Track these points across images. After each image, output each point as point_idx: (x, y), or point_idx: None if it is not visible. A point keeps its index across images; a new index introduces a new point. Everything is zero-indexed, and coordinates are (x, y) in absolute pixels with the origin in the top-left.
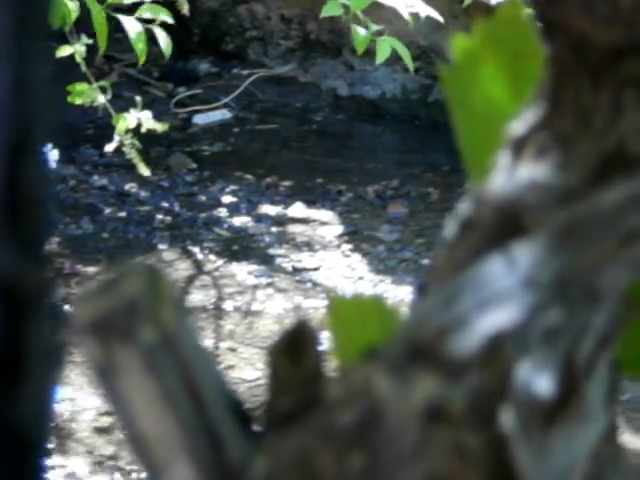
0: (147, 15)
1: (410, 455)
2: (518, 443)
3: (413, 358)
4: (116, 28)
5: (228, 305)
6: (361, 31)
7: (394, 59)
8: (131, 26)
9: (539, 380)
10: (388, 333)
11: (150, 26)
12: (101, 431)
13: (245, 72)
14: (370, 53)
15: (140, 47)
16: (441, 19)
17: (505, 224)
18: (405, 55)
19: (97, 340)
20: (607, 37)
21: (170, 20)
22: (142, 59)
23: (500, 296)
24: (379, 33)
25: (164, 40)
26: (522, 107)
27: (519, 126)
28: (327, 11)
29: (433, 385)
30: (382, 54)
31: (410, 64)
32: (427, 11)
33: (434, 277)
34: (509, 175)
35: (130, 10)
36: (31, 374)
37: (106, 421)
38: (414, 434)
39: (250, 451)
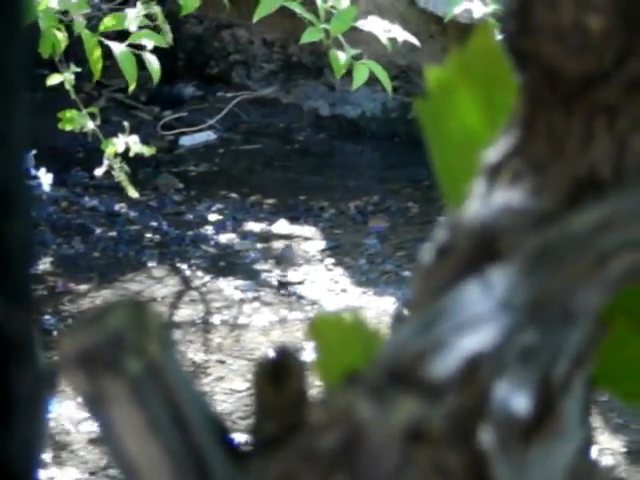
0: (142, 41)
1: (392, 475)
2: (497, 461)
3: (393, 381)
4: (104, 55)
5: (216, 319)
6: (340, 55)
7: (374, 79)
8: (121, 53)
9: (516, 399)
10: (369, 351)
11: (139, 52)
12: (95, 442)
13: (229, 95)
14: (351, 74)
15: (130, 73)
16: (417, 43)
17: (481, 249)
18: (383, 77)
19: (84, 372)
20: (578, 66)
21: (163, 45)
22: (132, 85)
23: (477, 319)
24: (357, 57)
25: (154, 66)
26: (496, 135)
27: (494, 153)
28: (307, 37)
29: (413, 407)
30: (359, 79)
31: (388, 87)
32: (404, 35)
33: (412, 301)
34: (484, 201)
35: (118, 37)
36: (20, 415)
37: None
38: (395, 455)
39: (236, 475)
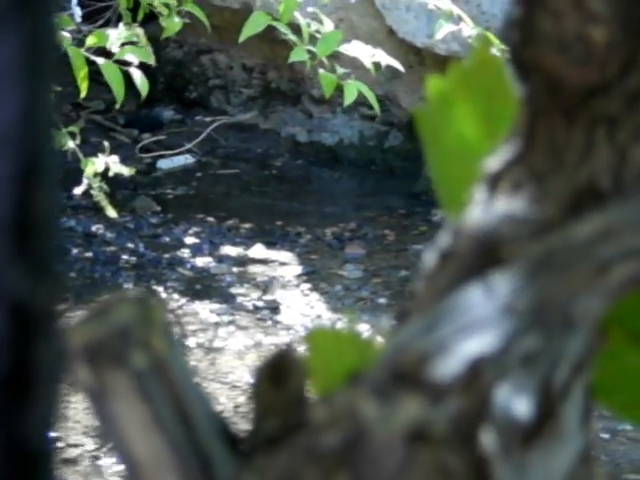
0: (129, 57)
1: (394, 475)
2: (498, 463)
3: (396, 382)
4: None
5: (191, 342)
6: (328, 75)
7: (351, 107)
8: (108, 68)
9: (518, 403)
10: (364, 362)
11: (126, 68)
12: (68, 462)
13: (208, 119)
14: (329, 101)
15: (117, 89)
16: (401, 68)
17: (483, 255)
18: (370, 97)
19: (90, 365)
20: (580, 77)
21: (151, 62)
22: (119, 100)
23: (480, 322)
24: (345, 76)
25: (141, 80)
26: (495, 145)
27: (495, 162)
28: (294, 56)
29: (416, 408)
30: (349, 96)
31: (376, 105)
32: (388, 60)
33: (415, 305)
34: (486, 208)
35: (103, 54)
36: (39, 390)
37: (73, 452)
38: (398, 455)
39: (238, 471)
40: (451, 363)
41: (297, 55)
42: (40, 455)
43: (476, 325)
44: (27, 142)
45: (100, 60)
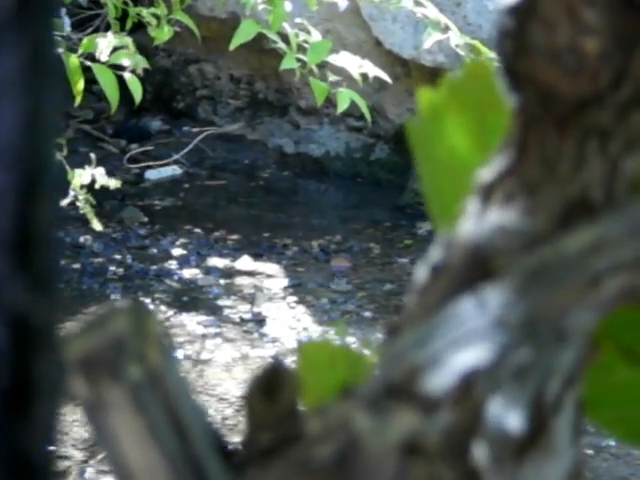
0: (124, 62)
1: None
2: (490, 476)
3: (389, 395)
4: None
5: (178, 354)
6: (320, 83)
7: (339, 118)
8: (102, 72)
9: (510, 416)
10: (356, 375)
11: (119, 73)
12: (57, 474)
13: (195, 130)
14: (316, 112)
15: (112, 94)
16: (388, 79)
17: (475, 268)
18: (362, 105)
19: (85, 377)
20: (573, 88)
21: (147, 66)
22: (114, 106)
23: (472, 336)
24: (336, 85)
25: (134, 85)
26: (487, 157)
27: (487, 173)
28: (285, 64)
29: (409, 421)
30: (342, 103)
31: (367, 114)
32: (375, 71)
33: (407, 318)
34: (478, 220)
35: (97, 61)
36: (40, 405)
37: (62, 465)
38: (391, 468)
39: None
40: (444, 376)
41: (288, 63)
42: (41, 468)
43: (468, 338)
44: (28, 155)
45: (94, 66)
